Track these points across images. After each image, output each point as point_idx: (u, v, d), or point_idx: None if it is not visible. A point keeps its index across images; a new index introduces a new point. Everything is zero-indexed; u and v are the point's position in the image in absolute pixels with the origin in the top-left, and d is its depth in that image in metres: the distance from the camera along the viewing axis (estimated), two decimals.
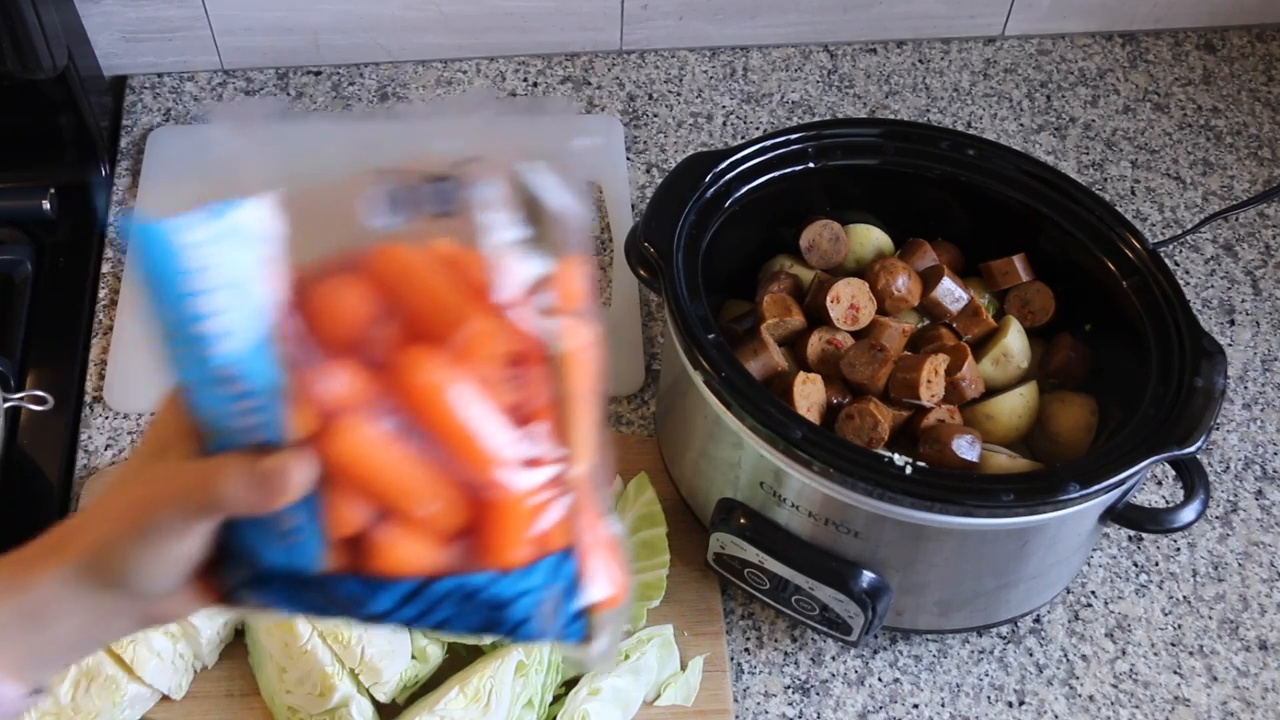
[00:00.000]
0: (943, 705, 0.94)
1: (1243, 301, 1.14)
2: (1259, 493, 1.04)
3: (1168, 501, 1.03)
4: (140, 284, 0.51)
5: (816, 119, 1.24)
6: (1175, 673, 0.96)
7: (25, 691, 0.58)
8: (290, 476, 0.53)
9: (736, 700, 0.94)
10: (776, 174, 0.95)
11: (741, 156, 0.94)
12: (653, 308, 1.12)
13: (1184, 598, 0.99)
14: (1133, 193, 1.20)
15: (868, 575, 0.86)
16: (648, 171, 1.20)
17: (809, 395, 0.88)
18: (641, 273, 0.92)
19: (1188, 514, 0.86)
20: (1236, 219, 1.19)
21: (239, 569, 0.56)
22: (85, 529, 0.57)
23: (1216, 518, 1.03)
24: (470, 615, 0.55)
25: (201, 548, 0.56)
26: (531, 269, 0.52)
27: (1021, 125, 1.25)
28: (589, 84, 1.26)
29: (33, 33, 1.05)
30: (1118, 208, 1.01)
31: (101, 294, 1.11)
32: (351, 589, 0.54)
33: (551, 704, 0.89)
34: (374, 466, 0.52)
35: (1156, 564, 1.01)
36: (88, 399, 1.05)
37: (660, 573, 0.95)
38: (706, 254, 0.90)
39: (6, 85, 1.10)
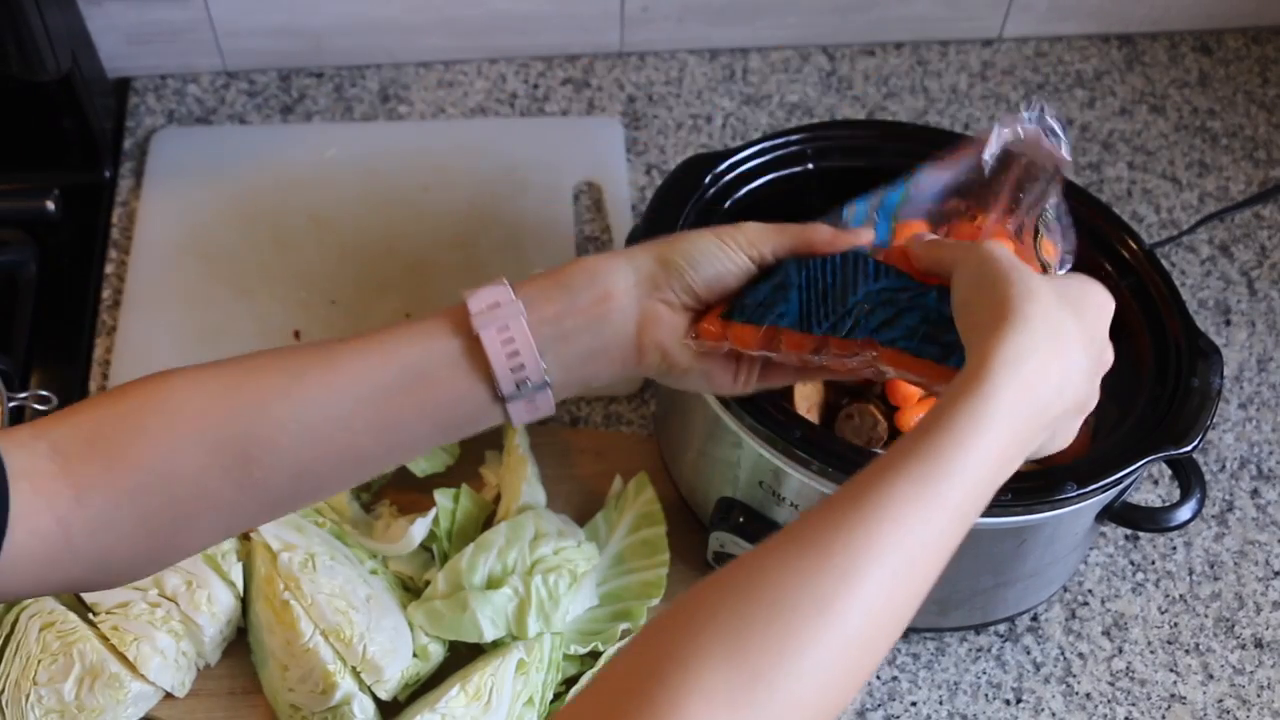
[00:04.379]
0: (940, 703, 0.95)
1: (1238, 302, 1.15)
2: (1254, 492, 1.05)
3: (1164, 501, 1.04)
4: None
5: (815, 121, 1.25)
6: (1171, 671, 0.97)
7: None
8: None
9: None
10: (775, 175, 0.95)
11: (741, 158, 0.94)
12: None
13: (1180, 596, 1.00)
14: (1129, 194, 1.21)
15: None
16: (648, 172, 1.21)
17: (808, 395, 0.88)
18: None
19: (1184, 513, 0.87)
20: (1232, 220, 1.20)
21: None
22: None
23: (1212, 517, 1.04)
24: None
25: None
26: None
27: None
28: (589, 86, 1.26)
29: (37, 35, 1.05)
30: (1114, 209, 1.01)
31: (105, 294, 1.12)
32: None
33: (552, 702, 0.90)
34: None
35: (1153, 563, 1.01)
36: None
37: (660, 571, 0.95)
38: None
39: (11, 88, 1.10)
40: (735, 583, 0.59)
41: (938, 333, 0.70)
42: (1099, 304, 0.70)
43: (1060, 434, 0.69)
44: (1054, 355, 0.64)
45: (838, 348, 0.73)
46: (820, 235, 0.75)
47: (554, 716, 0.58)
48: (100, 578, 0.70)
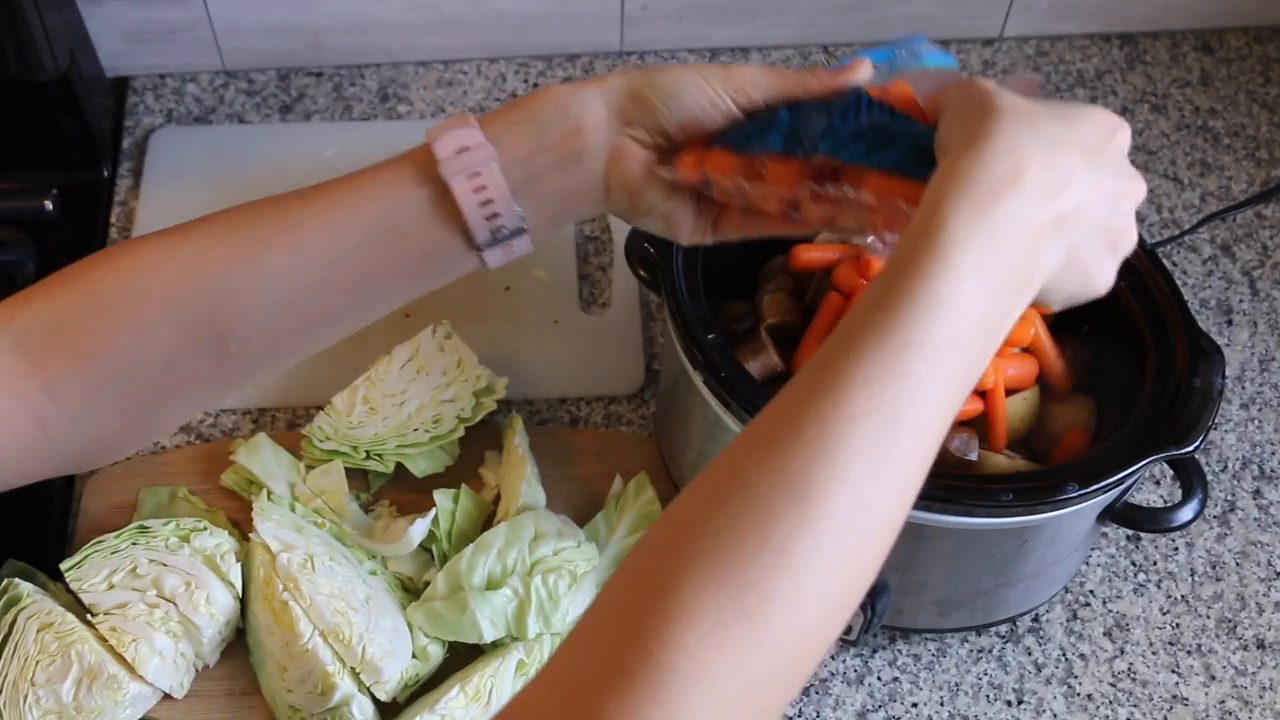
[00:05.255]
0: (941, 704, 0.94)
1: (1240, 302, 1.15)
2: (1256, 492, 1.05)
3: (1166, 501, 1.04)
4: None
5: None
6: (1173, 672, 0.96)
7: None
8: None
9: None
10: None
11: None
12: (653, 308, 1.12)
13: (1182, 597, 1.00)
14: None
15: None
16: None
17: None
18: (641, 273, 0.92)
19: (1185, 513, 0.86)
20: (1234, 219, 1.20)
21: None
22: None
23: (1214, 517, 1.04)
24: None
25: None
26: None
27: None
28: None
29: (35, 34, 1.05)
30: None
31: None
32: None
33: None
34: None
35: (1154, 563, 1.01)
36: None
37: None
38: (706, 254, 0.90)
39: (9, 87, 1.10)
40: (713, 483, 0.55)
41: (932, 159, 0.64)
42: (1100, 121, 0.63)
43: (1084, 264, 0.61)
44: (1029, 161, 0.58)
45: (824, 168, 0.67)
46: (817, 79, 0.69)
47: (554, 656, 0.54)
48: (85, 462, 0.69)
